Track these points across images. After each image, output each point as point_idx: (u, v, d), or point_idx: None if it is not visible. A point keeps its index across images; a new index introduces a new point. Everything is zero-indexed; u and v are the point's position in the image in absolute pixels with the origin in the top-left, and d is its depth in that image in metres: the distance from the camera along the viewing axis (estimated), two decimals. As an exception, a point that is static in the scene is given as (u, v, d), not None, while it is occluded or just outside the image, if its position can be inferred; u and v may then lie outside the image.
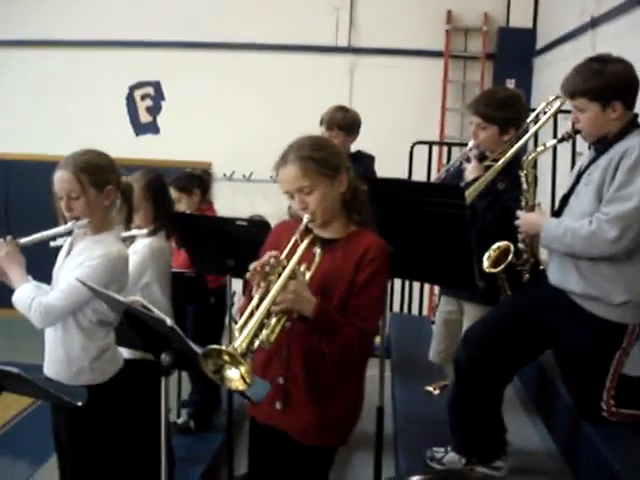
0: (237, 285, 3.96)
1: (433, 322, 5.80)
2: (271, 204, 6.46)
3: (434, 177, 5.28)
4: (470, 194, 2.84)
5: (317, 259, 2.24)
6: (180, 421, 4.45)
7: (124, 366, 2.86)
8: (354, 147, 4.23)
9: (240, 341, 1.96)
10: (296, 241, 2.24)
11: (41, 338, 2.81)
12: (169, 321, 1.84)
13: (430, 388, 3.96)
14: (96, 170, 2.67)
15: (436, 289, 6.33)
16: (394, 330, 4.99)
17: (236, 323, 3.45)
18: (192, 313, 4.25)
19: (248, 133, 7.08)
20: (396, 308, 5.56)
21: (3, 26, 7.49)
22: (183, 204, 4.28)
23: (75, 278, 2.51)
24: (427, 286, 6.24)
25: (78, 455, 2.80)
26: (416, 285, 5.84)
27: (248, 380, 1.92)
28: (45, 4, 7.42)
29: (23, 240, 2.69)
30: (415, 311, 5.88)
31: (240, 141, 7.04)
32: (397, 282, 5.15)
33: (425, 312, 6.13)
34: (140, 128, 7.45)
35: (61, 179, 2.65)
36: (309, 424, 2.31)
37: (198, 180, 4.39)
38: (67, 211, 2.67)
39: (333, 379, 2.31)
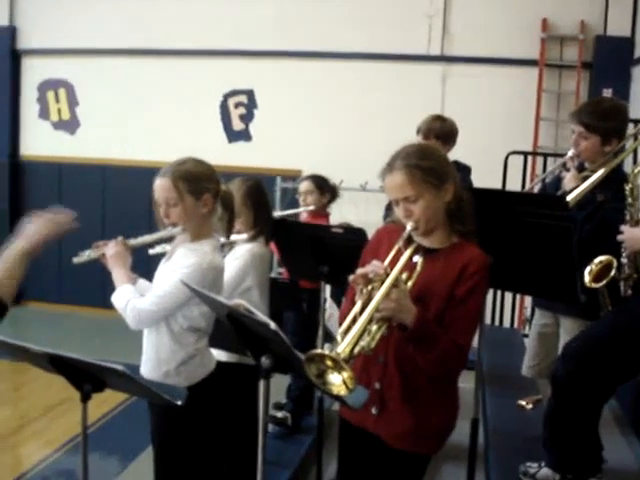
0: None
1: (525, 335, 5.75)
2: (360, 212, 6.50)
3: (527, 187, 5.20)
4: (573, 200, 2.77)
5: (418, 268, 2.23)
6: (280, 415, 4.52)
7: (221, 369, 2.91)
8: (450, 157, 4.19)
9: (343, 346, 1.97)
10: (399, 249, 2.24)
11: (139, 339, 2.90)
12: (273, 324, 1.86)
13: (523, 402, 3.90)
14: (194, 178, 2.71)
15: (526, 302, 6.23)
16: (485, 342, 4.92)
17: (326, 329, 3.51)
18: (293, 320, 4.35)
19: (339, 142, 7.11)
20: (487, 320, 5.48)
21: (101, 36, 7.74)
22: (310, 199, 4.61)
23: (174, 282, 2.58)
24: (518, 298, 6.14)
25: (169, 455, 2.85)
26: (507, 297, 5.75)
27: (350, 385, 1.93)
28: (143, 14, 7.63)
29: (132, 241, 2.78)
30: (506, 323, 5.78)
31: (330, 150, 7.08)
32: (489, 294, 5.09)
33: (516, 325, 6.02)
34: (233, 135, 7.57)
35: (160, 186, 2.72)
36: (404, 430, 2.31)
37: (333, 189, 4.72)
38: (165, 217, 2.73)
39: (428, 387, 2.30)
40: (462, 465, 3.34)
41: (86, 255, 2.80)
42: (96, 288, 6.97)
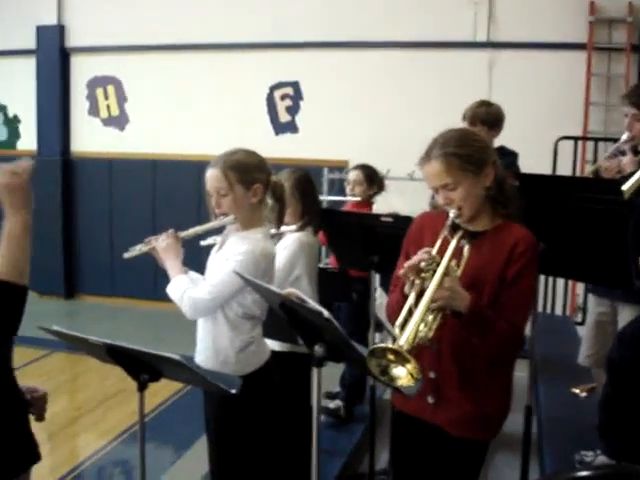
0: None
1: (577, 323, 5.68)
2: (408, 202, 6.44)
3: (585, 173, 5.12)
4: (628, 190, 2.73)
5: (466, 254, 2.23)
6: (332, 406, 4.55)
7: (275, 358, 2.93)
8: (497, 143, 4.16)
9: (405, 338, 1.97)
10: (446, 237, 2.23)
11: (192, 329, 2.93)
12: (326, 313, 1.87)
13: (576, 390, 3.86)
14: (244, 168, 2.74)
15: (578, 289, 6.15)
16: (537, 330, 4.88)
17: (377, 319, 3.51)
18: (347, 310, 4.38)
19: (385, 131, 7.08)
20: (539, 308, 5.43)
21: (148, 32, 7.82)
22: (358, 189, 4.69)
23: (228, 271, 2.60)
24: (570, 285, 6.07)
25: (225, 443, 2.88)
26: (559, 284, 5.68)
27: (416, 376, 1.93)
28: (188, 9, 7.68)
29: (183, 233, 2.82)
30: (558, 311, 5.71)
31: (377, 139, 7.05)
32: (540, 281, 5.04)
33: (568, 312, 5.94)
34: (280, 127, 7.59)
35: (211, 177, 2.75)
36: (463, 417, 2.31)
37: (381, 178, 4.80)
38: (216, 207, 2.76)
39: (484, 373, 2.30)
40: (515, 453, 3.32)
41: (137, 249, 2.84)
42: (148, 281, 7.10)
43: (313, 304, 1.94)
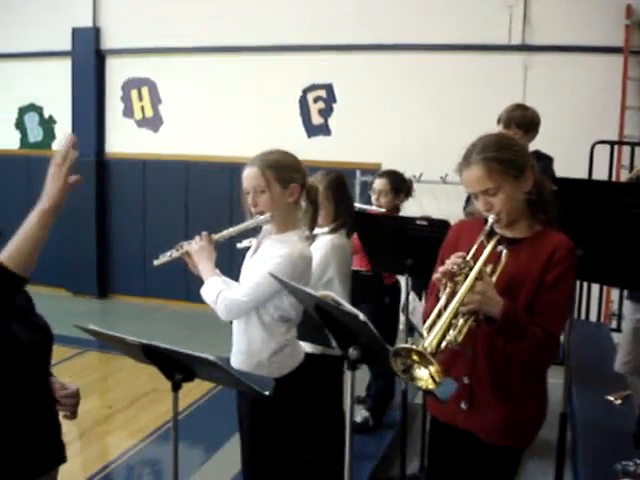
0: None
1: (611, 329, 5.61)
2: (440, 206, 6.44)
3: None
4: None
5: (503, 260, 2.22)
6: (359, 420, 4.48)
7: (305, 360, 2.93)
8: (533, 147, 4.12)
9: (429, 340, 1.97)
10: (482, 242, 2.22)
11: (223, 331, 2.94)
12: (362, 316, 1.87)
13: (611, 397, 3.80)
14: (281, 168, 2.76)
15: (612, 295, 6.07)
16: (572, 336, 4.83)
17: (410, 323, 3.50)
18: (368, 312, 4.32)
19: (418, 134, 7.05)
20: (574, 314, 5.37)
21: (182, 34, 7.86)
22: (384, 200, 4.47)
23: (265, 273, 2.60)
24: (604, 291, 6.00)
25: (258, 444, 2.88)
26: (593, 290, 5.62)
27: (438, 379, 1.93)
28: (222, 12, 7.70)
29: (216, 236, 2.83)
30: (592, 317, 5.64)
31: (410, 142, 7.02)
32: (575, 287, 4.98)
33: (602, 318, 5.87)
34: (312, 130, 7.58)
35: (249, 175, 2.77)
36: (496, 424, 2.30)
37: (407, 186, 4.58)
38: (253, 206, 2.77)
39: (518, 379, 2.28)
40: (549, 460, 3.29)
41: (168, 256, 2.84)
42: (180, 282, 7.14)
43: (349, 307, 1.94)
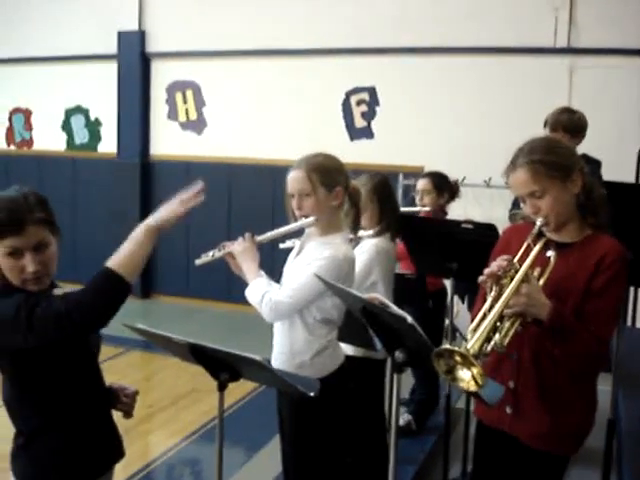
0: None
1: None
2: (483, 209, 6.39)
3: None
4: None
5: (551, 263, 2.19)
6: (401, 423, 4.47)
7: (347, 363, 2.93)
8: (579, 151, 4.08)
9: (472, 342, 1.96)
10: (529, 245, 2.20)
11: (263, 332, 2.95)
12: (409, 319, 1.86)
13: (659, 406, 3.73)
14: (326, 171, 2.77)
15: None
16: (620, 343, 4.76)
17: (454, 326, 3.49)
18: (413, 316, 4.30)
19: (461, 137, 7.00)
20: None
21: (226, 37, 7.91)
22: (427, 199, 4.49)
23: (310, 275, 2.61)
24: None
25: (299, 445, 2.89)
26: (640, 296, 5.51)
27: (480, 382, 1.92)
28: (265, 16, 7.75)
29: (260, 237, 2.83)
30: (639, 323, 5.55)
31: (453, 146, 6.98)
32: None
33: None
34: (355, 133, 7.57)
35: (294, 178, 2.78)
36: (541, 430, 2.27)
37: (452, 187, 4.58)
38: (297, 209, 2.78)
39: (566, 384, 2.26)
40: (594, 468, 3.23)
41: (210, 255, 2.85)
42: (222, 283, 7.18)
43: (396, 309, 1.94)
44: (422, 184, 4.56)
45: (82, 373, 2.16)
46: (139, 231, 1.96)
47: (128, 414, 2.40)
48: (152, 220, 1.99)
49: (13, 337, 1.89)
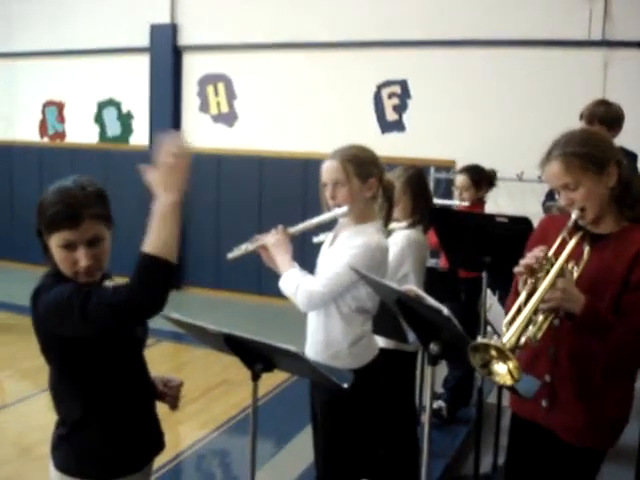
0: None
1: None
2: (516, 203, 6.34)
3: None
4: None
5: (586, 256, 2.18)
6: (434, 406, 4.51)
7: (381, 354, 2.93)
8: (616, 143, 4.03)
9: (508, 336, 1.95)
10: (565, 238, 2.19)
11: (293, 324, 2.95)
12: (445, 311, 1.85)
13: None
14: (360, 162, 2.78)
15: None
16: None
17: (487, 320, 3.47)
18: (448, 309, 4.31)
19: (493, 131, 6.95)
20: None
21: (257, 30, 7.94)
22: (466, 194, 4.57)
23: (344, 264, 2.62)
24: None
25: (333, 436, 2.88)
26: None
27: (516, 375, 1.91)
28: (297, 8, 7.77)
29: (292, 229, 2.84)
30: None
31: (485, 139, 6.93)
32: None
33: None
34: (386, 126, 7.55)
35: (328, 168, 2.79)
36: (577, 423, 2.26)
37: (489, 179, 4.65)
38: (331, 199, 2.78)
39: (601, 378, 2.24)
40: (628, 465, 3.21)
41: (243, 249, 2.86)
42: (253, 275, 7.21)
43: (432, 301, 1.93)
44: (460, 181, 4.64)
45: (129, 365, 2.18)
46: (162, 209, 1.85)
47: (174, 406, 2.40)
48: (168, 195, 1.89)
49: (63, 324, 1.90)
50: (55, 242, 1.96)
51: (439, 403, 4.53)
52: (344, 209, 2.76)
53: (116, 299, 1.80)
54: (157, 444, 2.28)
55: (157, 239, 1.83)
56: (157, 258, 1.81)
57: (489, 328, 3.43)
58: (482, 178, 4.62)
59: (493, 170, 4.76)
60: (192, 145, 2.00)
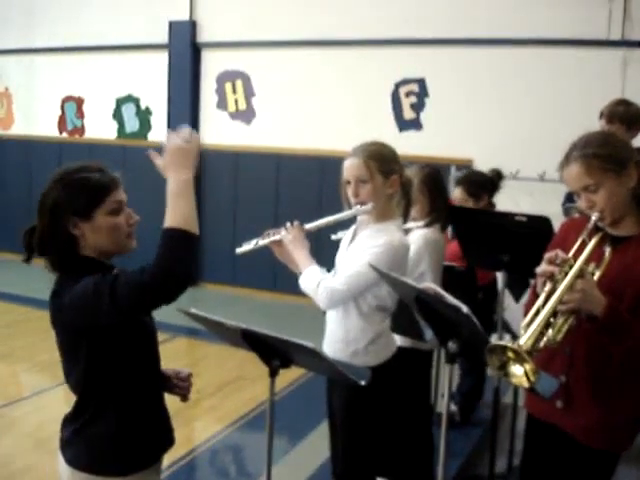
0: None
1: None
2: (537, 203, 6.30)
3: None
4: None
5: (607, 258, 2.17)
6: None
7: (397, 353, 2.93)
8: (636, 143, 4.01)
9: (526, 339, 1.95)
10: (584, 240, 2.18)
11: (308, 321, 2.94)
12: (465, 308, 1.85)
13: None
14: (383, 159, 2.77)
15: None
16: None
17: (504, 320, 3.46)
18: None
19: (513, 130, 6.92)
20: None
21: (276, 28, 7.95)
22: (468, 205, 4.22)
23: (365, 262, 2.60)
24: None
25: (350, 433, 2.89)
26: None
27: (532, 378, 1.91)
28: (315, 6, 7.78)
29: (308, 225, 2.83)
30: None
31: (504, 138, 6.90)
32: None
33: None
34: (404, 124, 7.54)
35: (352, 165, 2.78)
36: (592, 425, 2.25)
37: (490, 184, 4.25)
38: (354, 196, 2.77)
39: (619, 381, 2.23)
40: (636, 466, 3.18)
41: (252, 244, 2.83)
42: (268, 272, 7.22)
43: (451, 299, 1.93)
44: (458, 194, 4.23)
45: (145, 359, 2.18)
46: (176, 187, 1.90)
47: (185, 397, 2.41)
48: (180, 174, 1.91)
49: (96, 314, 1.89)
50: (105, 210, 2.04)
51: (451, 408, 4.50)
52: (368, 207, 2.75)
53: (145, 277, 1.80)
54: (168, 440, 2.28)
55: (176, 214, 1.86)
56: (180, 229, 1.84)
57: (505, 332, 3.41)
58: (480, 187, 4.21)
59: (495, 170, 4.35)
60: (199, 136, 2.06)
